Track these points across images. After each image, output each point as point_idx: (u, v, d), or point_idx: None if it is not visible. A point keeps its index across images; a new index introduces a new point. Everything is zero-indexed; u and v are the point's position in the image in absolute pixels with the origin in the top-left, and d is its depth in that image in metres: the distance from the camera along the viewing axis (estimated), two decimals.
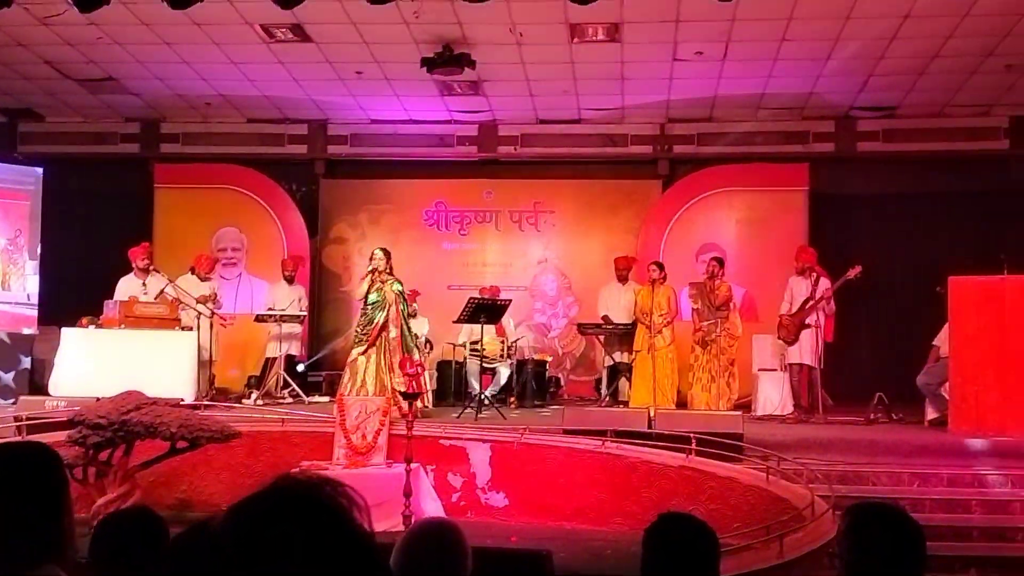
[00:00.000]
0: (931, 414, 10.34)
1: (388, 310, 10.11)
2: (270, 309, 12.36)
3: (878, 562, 2.48)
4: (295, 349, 12.60)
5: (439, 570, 2.71)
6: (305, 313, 12.75)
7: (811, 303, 10.76)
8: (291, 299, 12.55)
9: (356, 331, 10.40)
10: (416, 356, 9.69)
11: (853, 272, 10.63)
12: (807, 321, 10.81)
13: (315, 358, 13.39)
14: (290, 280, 12.71)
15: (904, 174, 13.71)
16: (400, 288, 10.31)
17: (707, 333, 10.96)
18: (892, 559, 2.48)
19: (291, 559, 0.82)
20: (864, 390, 11.55)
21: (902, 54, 11.15)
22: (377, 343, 10.05)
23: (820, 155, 13.80)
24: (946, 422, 9.66)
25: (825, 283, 10.90)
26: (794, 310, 10.96)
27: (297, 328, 12.54)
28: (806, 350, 10.82)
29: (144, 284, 11.26)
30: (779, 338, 11.19)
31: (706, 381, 10.90)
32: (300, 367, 12.67)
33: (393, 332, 10.09)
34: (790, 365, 11.08)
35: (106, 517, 3.18)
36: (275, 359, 12.18)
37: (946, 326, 9.95)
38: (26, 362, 12.27)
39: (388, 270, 10.30)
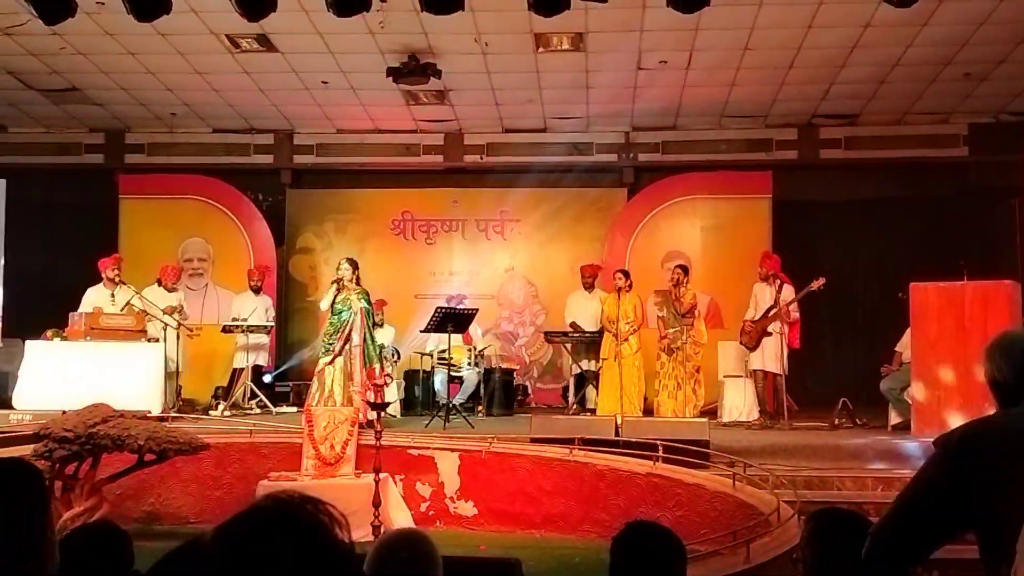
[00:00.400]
0: (895, 419, 10.47)
1: (353, 320, 10.10)
2: (235, 320, 12.30)
3: (840, 567, 2.54)
4: (262, 359, 12.55)
5: None
6: (272, 324, 12.71)
7: (773, 311, 10.87)
8: (258, 309, 12.49)
9: (323, 340, 10.40)
10: (378, 369, 9.67)
11: (816, 284, 10.74)
12: (768, 328, 10.93)
13: (282, 368, 13.36)
14: (257, 290, 12.65)
15: (866, 181, 13.89)
16: (366, 298, 10.31)
17: (672, 340, 11.03)
18: (854, 563, 2.53)
19: (279, 575, 0.85)
20: (828, 395, 11.67)
21: (863, 62, 11.30)
22: (343, 353, 10.05)
23: (783, 162, 13.94)
24: (909, 426, 9.77)
25: (788, 290, 11.01)
26: (758, 316, 11.07)
27: (264, 338, 12.50)
28: (769, 356, 10.93)
29: (112, 295, 11.18)
30: (741, 343, 11.31)
31: (672, 388, 10.97)
32: (267, 377, 12.62)
33: (356, 340, 10.08)
34: (754, 371, 11.19)
35: (70, 532, 3.18)
36: (242, 370, 12.14)
37: (908, 331, 10.09)
38: None
39: (355, 280, 10.30)
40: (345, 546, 0.91)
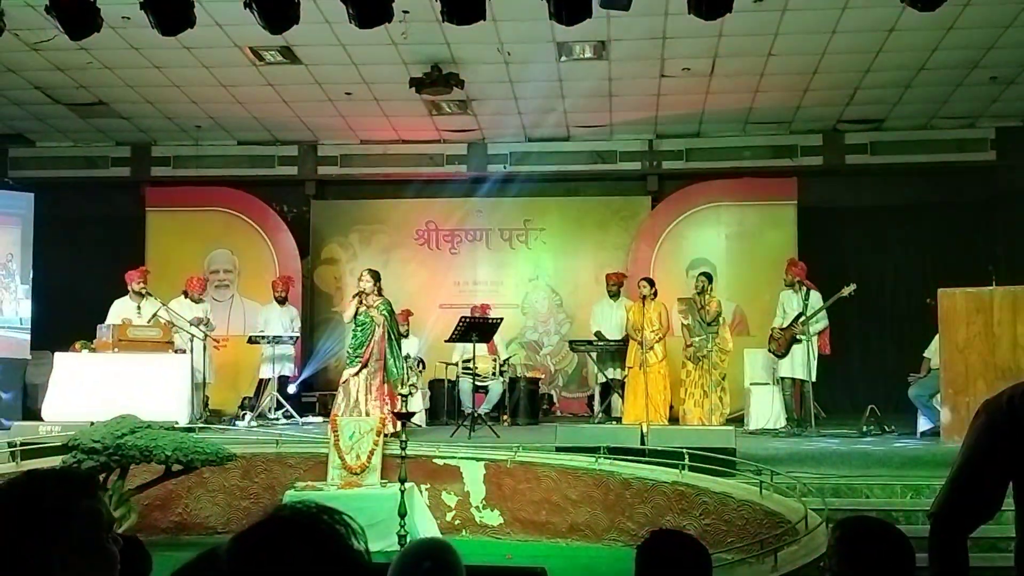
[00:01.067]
0: (923, 425, 10.38)
1: (375, 332, 10.13)
2: (261, 331, 12.36)
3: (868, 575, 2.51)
4: (288, 370, 12.60)
5: None
6: (298, 334, 12.76)
7: (802, 318, 10.80)
8: (283, 320, 12.55)
9: (348, 352, 10.43)
10: (397, 387, 9.64)
11: (847, 290, 10.66)
12: (798, 335, 10.86)
13: (305, 378, 13.41)
14: (282, 301, 12.71)
15: (892, 186, 13.81)
16: (389, 308, 10.33)
17: (698, 349, 10.99)
18: (882, 572, 2.51)
19: None
20: (856, 403, 11.60)
21: (888, 67, 11.23)
22: (368, 364, 10.09)
23: (808, 168, 13.88)
24: (938, 433, 9.69)
25: (816, 296, 10.95)
26: (786, 323, 11.01)
27: (290, 349, 12.55)
28: (798, 363, 10.87)
29: (139, 307, 11.27)
30: (770, 351, 11.24)
31: (699, 396, 10.93)
32: (292, 388, 12.68)
33: (376, 355, 10.12)
34: (781, 379, 11.13)
35: None
36: (268, 380, 12.19)
37: (936, 337, 10.00)
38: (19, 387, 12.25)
39: (377, 291, 10.32)
40: (361, 556, 0.91)
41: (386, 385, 10.09)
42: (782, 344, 10.96)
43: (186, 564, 0.91)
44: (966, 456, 2.54)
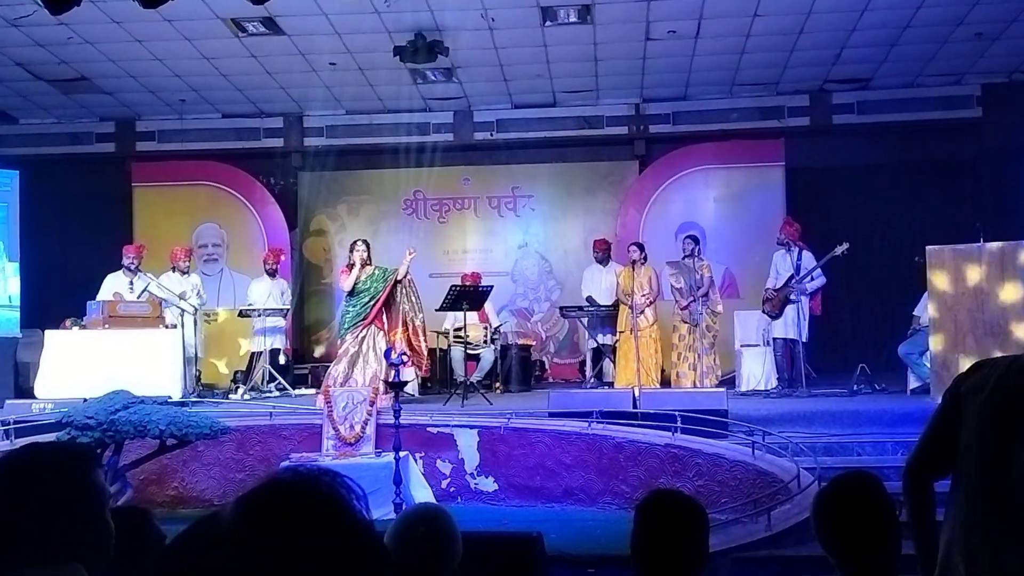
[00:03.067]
0: (913, 383, 10.46)
1: (377, 298, 10.12)
2: (250, 304, 12.32)
3: (852, 530, 2.51)
4: (279, 343, 12.54)
5: (431, 555, 2.76)
6: (289, 307, 12.74)
7: (795, 278, 10.80)
8: (273, 292, 12.52)
9: (345, 319, 10.37)
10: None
11: (840, 248, 10.65)
12: (791, 296, 10.87)
13: (298, 350, 13.40)
14: (272, 274, 12.67)
15: (879, 145, 13.80)
16: (383, 275, 10.33)
17: (693, 312, 11.03)
18: (864, 532, 2.51)
19: (297, 548, 0.86)
20: (847, 362, 11.65)
21: (874, 25, 11.20)
22: (364, 333, 10.08)
23: (795, 129, 13.86)
24: (928, 390, 9.76)
25: (808, 256, 10.96)
26: (779, 284, 11.02)
27: (281, 322, 12.52)
28: (791, 324, 10.88)
29: (131, 283, 11.25)
30: (764, 312, 11.23)
31: (693, 360, 10.98)
32: (283, 360, 12.67)
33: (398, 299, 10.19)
34: (774, 339, 11.15)
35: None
36: (259, 353, 12.19)
37: (925, 295, 10.04)
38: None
39: (367, 261, 10.32)
40: (364, 519, 0.92)
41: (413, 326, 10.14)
42: (776, 304, 10.97)
43: (188, 527, 0.92)
44: (930, 416, 2.88)
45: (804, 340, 10.75)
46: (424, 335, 10.39)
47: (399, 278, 10.19)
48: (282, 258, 13.13)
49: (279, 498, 0.91)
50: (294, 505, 0.90)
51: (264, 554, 0.85)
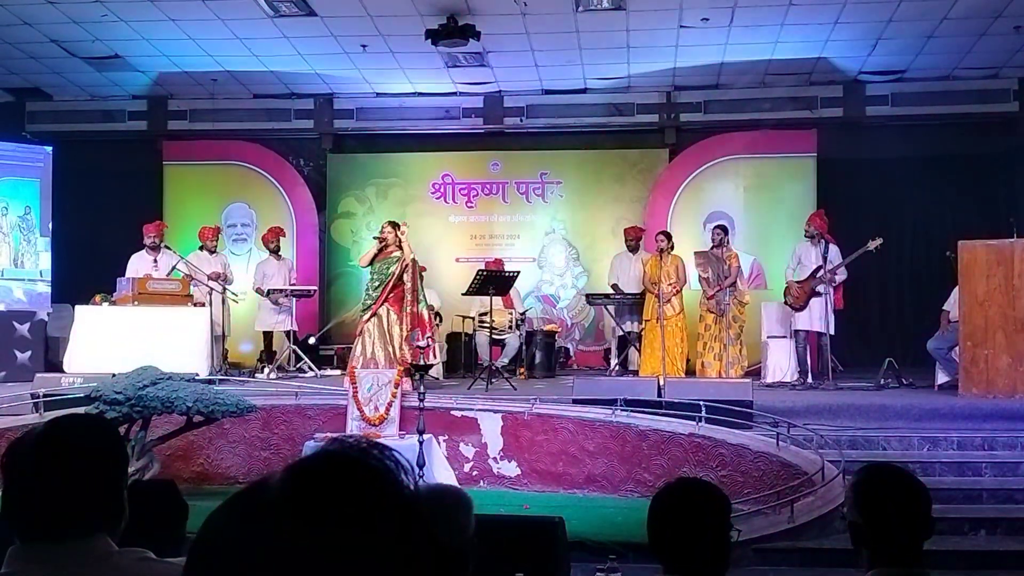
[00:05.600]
0: (941, 378, 10.37)
1: (395, 272, 10.07)
2: (256, 287, 12.34)
3: (886, 523, 2.52)
4: (288, 324, 12.29)
5: (443, 532, 2.75)
6: (301, 286, 12.71)
7: (821, 271, 10.74)
8: (281, 272, 12.51)
9: (366, 295, 10.35)
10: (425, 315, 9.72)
11: (873, 244, 10.57)
12: (817, 289, 10.80)
13: (325, 330, 13.44)
14: (276, 252, 12.69)
15: (913, 138, 13.66)
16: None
17: (720, 302, 11.00)
18: (899, 519, 2.52)
19: (346, 518, 0.87)
20: (874, 355, 11.58)
21: (910, 16, 11.08)
22: (380, 311, 10.03)
23: (828, 120, 13.75)
24: (956, 386, 9.68)
25: (835, 250, 10.88)
26: (803, 276, 10.94)
27: (291, 302, 12.37)
28: (816, 316, 10.81)
29: (155, 261, 11.33)
30: (787, 304, 11.17)
31: (718, 350, 10.96)
32: (311, 340, 12.71)
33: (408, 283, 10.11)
34: (796, 331, 11.09)
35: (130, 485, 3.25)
36: (270, 333, 12.24)
37: (956, 290, 9.95)
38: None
39: (396, 244, 10.28)
40: (411, 492, 0.93)
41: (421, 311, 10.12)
42: (800, 297, 10.90)
43: (236, 493, 0.93)
44: None
45: (831, 333, 10.68)
46: (423, 323, 10.28)
47: (403, 257, 10.13)
48: (283, 237, 13.03)
49: (329, 467, 0.91)
50: (344, 475, 0.91)
51: (312, 522, 0.86)
